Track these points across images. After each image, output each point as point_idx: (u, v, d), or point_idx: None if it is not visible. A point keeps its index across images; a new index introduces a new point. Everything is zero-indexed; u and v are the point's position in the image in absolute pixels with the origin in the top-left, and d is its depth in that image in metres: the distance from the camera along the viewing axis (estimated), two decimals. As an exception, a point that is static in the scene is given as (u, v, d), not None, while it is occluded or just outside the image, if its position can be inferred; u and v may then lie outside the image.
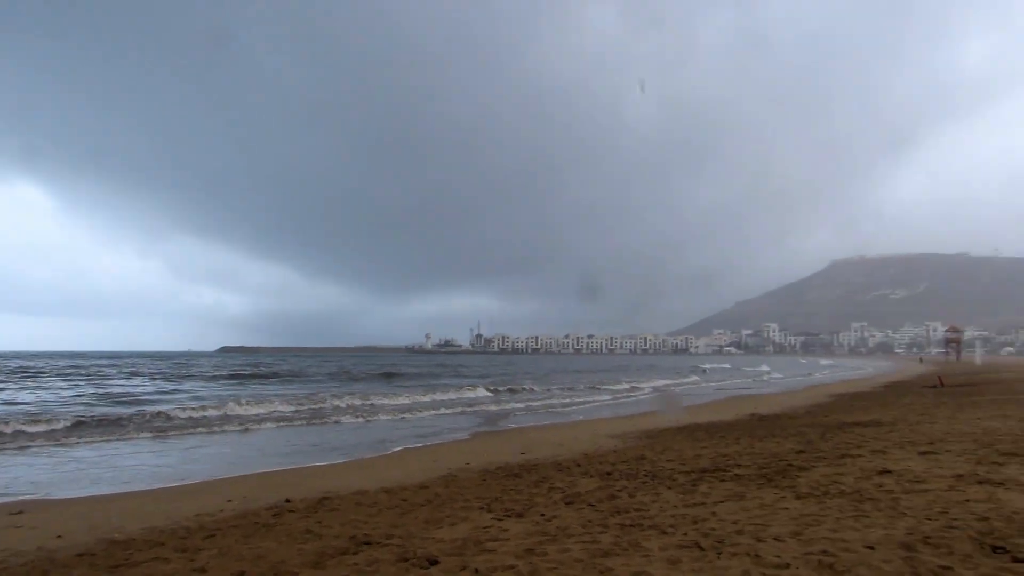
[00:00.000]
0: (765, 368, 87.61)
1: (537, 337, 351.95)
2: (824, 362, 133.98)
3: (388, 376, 60.68)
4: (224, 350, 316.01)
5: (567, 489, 9.45)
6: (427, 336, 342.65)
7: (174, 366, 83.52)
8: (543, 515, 7.78)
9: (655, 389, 44.41)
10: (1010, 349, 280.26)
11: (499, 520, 7.68)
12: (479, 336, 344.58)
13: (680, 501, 8.00)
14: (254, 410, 25.48)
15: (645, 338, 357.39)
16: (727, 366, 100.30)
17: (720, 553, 5.63)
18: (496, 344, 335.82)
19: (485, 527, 7.38)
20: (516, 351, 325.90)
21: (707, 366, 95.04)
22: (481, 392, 39.51)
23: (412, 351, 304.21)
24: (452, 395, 36.62)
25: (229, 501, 9.98)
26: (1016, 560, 4.99)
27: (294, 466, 14.24)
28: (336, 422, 23.31)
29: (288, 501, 9.70)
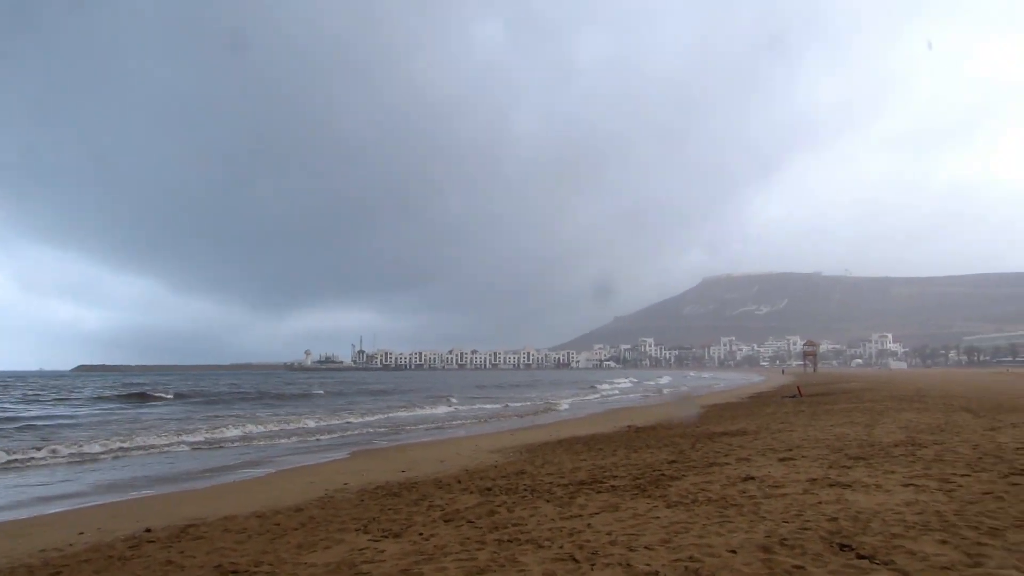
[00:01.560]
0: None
1: (421, 352, 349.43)
2: (706, 375, 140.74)
3: (307, 396, 57.80)
4: (81, 368, 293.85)
5: (447, 506, 9.38)
6: (307, 353, 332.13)
7: (39, 388, 76.63)
8: (421, 534, 7.67)
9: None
10: (859, 361, 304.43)
11: (375, 541, 7.51)
12: (361, 352, 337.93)
13: (557, 514, 8.11)
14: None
15: (528, 353, 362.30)
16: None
17: (594, 564, 5.75)
18: (379, 360, 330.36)
19: (361, 549, 7.19)
20: (399, 367, 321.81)
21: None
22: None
23: (291, 368, 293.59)
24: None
25: (81, 534, 9.22)
26: (860, 556, 5.38)
27: (157, 492, 13.37)
28: (220, 446, 22.11)
29: (148, 531, 9.07)
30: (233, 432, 25.50)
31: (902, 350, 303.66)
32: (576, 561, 5.88)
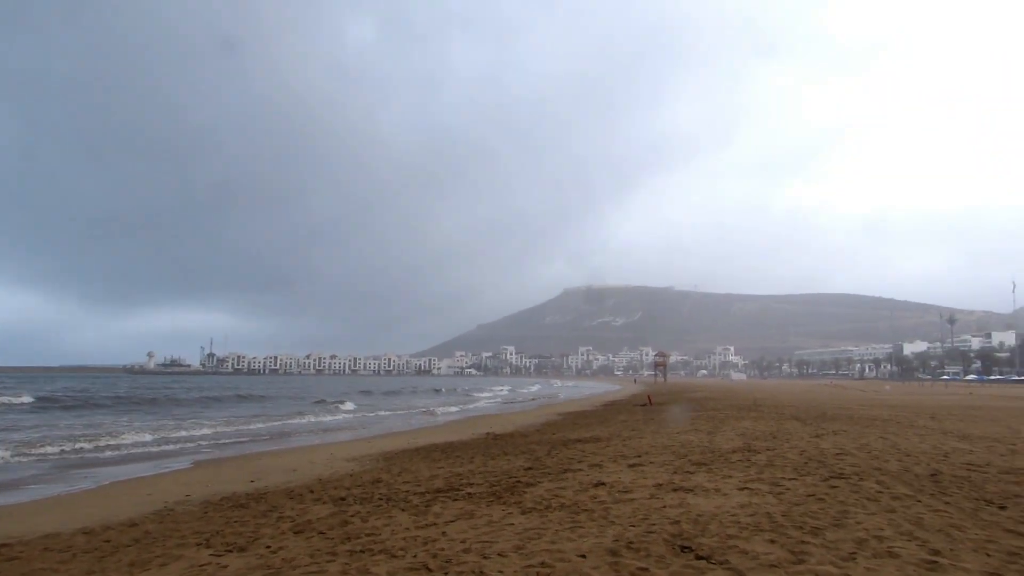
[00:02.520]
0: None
1: (276, 357, 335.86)
2: (568, 383, 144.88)
3: (151, 402, 53.21)
4: None
5: (297, 517, 9.03)
6: (149, 355, 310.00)
7: None
8: (268, 547, 7.34)
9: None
10: (704, 372, 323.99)
11: (218, 556, 7.10)
12: (211, 355, 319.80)
13: (413, 523, 8.02)
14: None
15: (389, 359, 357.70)
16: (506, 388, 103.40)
17: (447, 573, 5.72)
18: (230, 364, 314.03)
19: (202, 565, 6.77)
20: (252, 372, 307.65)
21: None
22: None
23: (131, 371, 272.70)
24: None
25: None
26: (698, 557, 5.70)
27: (-36, 509, 11.97)
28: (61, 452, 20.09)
29: (-50, 552, 8.10)
30: (61, 439, 23.33)
31: (742, 362, 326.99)
32: (429, 570, 5.84)
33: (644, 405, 38.33)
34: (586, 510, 7.99)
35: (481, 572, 5.67)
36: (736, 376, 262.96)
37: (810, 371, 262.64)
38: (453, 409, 46.20)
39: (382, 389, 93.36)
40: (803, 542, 6.10)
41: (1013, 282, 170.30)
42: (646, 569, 5.48)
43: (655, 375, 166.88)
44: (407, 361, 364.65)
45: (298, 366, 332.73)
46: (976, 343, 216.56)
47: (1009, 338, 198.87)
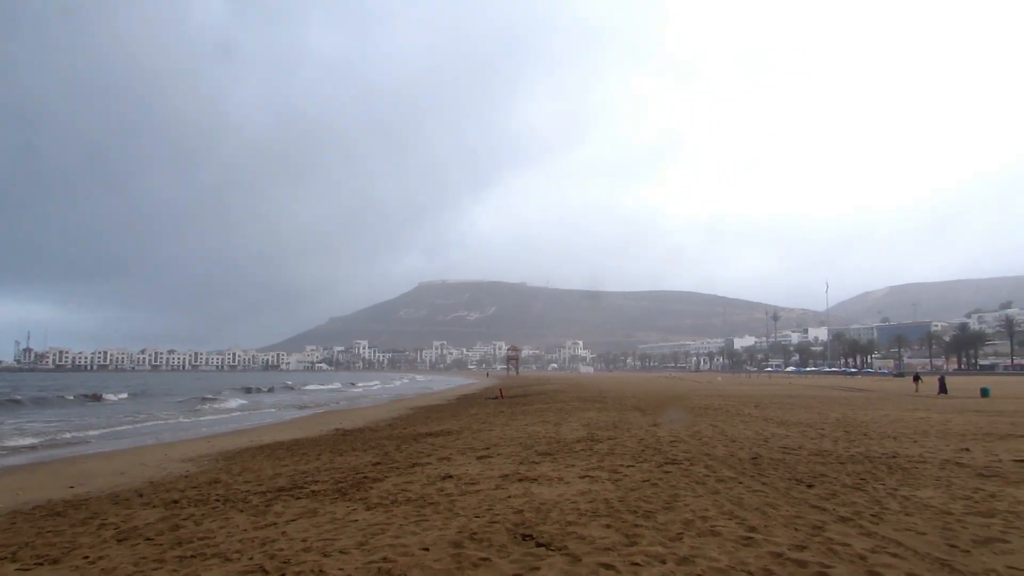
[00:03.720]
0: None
1: (106, 352, 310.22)
2: (421, 377, 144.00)
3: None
4: None
5: (122, 524, 8.38)
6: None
7: None
8: (86, 557, 6.75)
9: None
10: (555, 365, 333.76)
11: (25, 570, 6.45)
12: (28, 350, 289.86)
13: (251, 524, 7.68)
14: None
15: (234, 354, 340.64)
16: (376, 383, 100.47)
17: (284, 574, 5.53)
18: (51, 360, 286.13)
19: (4, 581, 6.12)
20: (78, 368, 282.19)
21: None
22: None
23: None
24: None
25: None
26: (539, 544, 5.86)
27: None
28: None
29: None
30: None
31: (591, 356, 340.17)
32: (265, 572, 5.61)
33: (496, 398, 38.94)
34: (432, 503, 8.00)
35: (321, 571, 5.52)
36: (584, 369, 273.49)
37: (652, 364, 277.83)
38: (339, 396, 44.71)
39: (234, 384, 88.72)
40: (636, 525, 6.43)
41: (827, 283, 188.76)
42: (487, 559, 5.56)
43: (508, 369, 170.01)
44: (253, 356, 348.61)
45: (131, 361, 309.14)
46: (795, 338, 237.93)
47: (823, 334, 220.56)
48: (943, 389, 40.68)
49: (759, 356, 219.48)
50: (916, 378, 50.03)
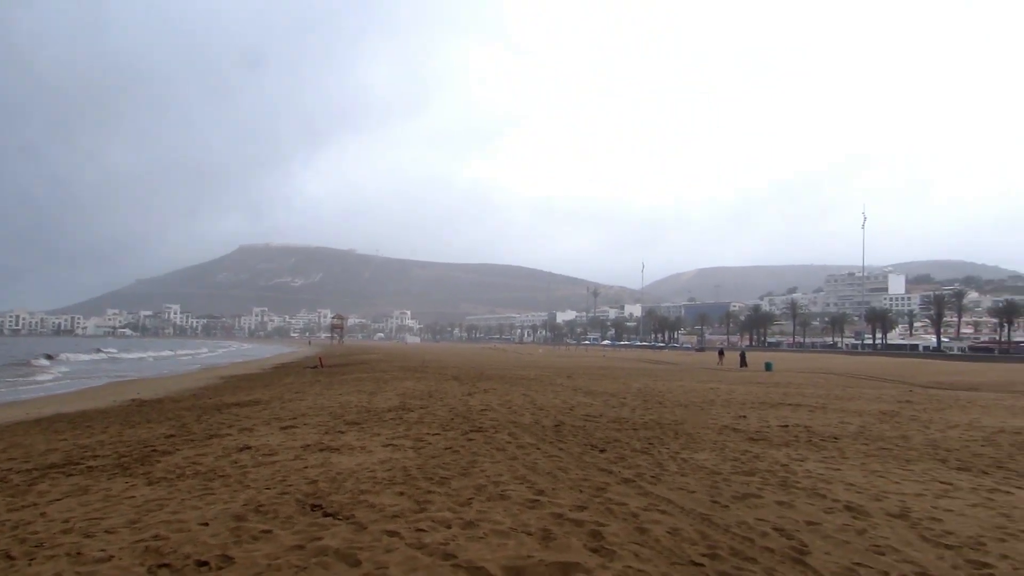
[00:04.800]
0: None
1: None
2: (237, 345, 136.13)
3: None
4: None
5: None
6: None
7: None
8: None
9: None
10: (381, 335, 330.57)
11: None
12: None
13: (7, 506, 6.86)
14: None
15: (18, 316, 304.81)
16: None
17: (34, 559, 4.98)
18: None
19: None
20: None
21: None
22: None
23: None
24: None
25: None
26: (326, 515, 5.72)
27: None
28: None
29: None
30: None
31: (418, 326, 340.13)
32: (11, 558, 5.02)
33: (315, 367, 37.87)
34: (222, 476, 7.57)
35: (78, 553, 5.03)
36: (411, 339, 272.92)
37: (478, 335, 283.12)
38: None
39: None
40: (430, 492, 6.47)
41: (643, 264, 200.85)
42: (269, 531, 5.34)
43: (332, 338, 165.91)
44: (42, 319, 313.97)
45: None
46: (613, 314, 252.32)
47: (637, 310, 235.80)
48: (744, 363, 45.10)
49: (579, 330, 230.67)
50: (721, 353, 55.25)
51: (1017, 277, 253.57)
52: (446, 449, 8.88)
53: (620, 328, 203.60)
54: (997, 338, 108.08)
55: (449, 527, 5.33)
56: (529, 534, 5.15)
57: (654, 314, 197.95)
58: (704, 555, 4.80)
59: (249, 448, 9.34)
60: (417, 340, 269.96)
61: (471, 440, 9.67)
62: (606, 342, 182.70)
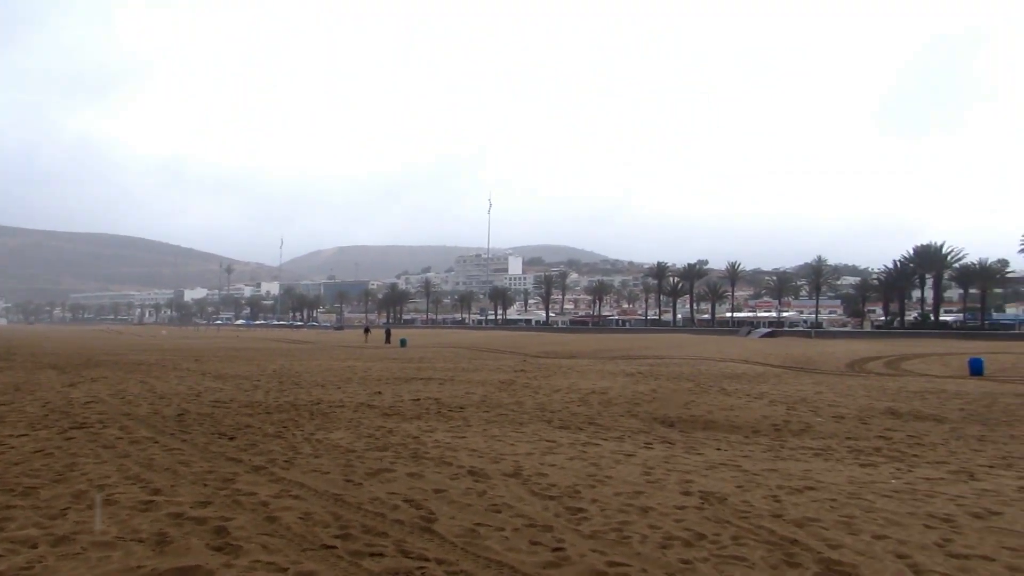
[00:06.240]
0: None
1: None
2: None
3: None
4: None
5: None
6: None
7: None
8: None
9: None
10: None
11: None
12: None
13: None
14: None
15: None
16: None
17: None
18: None
19: None
20: None
21: None
22: None
23: None
24: None
25: None
26: None
27: None
28: None
29: None
30: None
31: (4, 305, 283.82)
32: None
33: None
34: None
35: None
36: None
37: (87, 316, 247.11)
38: None
39: None
40: (9, 507, 5.34)
41: (282, 239, 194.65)
42: None
43: None
44: None
45: None
46: (248, 291, 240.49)
47: (275, 288, 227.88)
48: (388, 339, 47.12)
49: (210, 309, 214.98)
50: (367, 330, 57.04)
51: (606, 261, 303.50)
52: (35, 452, 7.49)
53: (256, 307, 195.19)
54: (591, 312, 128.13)
55: (35, 546, 4.46)
56: (140, 541, 4.56)
57: (293, 292, 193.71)
58: (336, 536, 4.75)
59: None
60: (3, 322, 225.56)
61: (70, 440, 8.32)
62: (241, 322, 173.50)
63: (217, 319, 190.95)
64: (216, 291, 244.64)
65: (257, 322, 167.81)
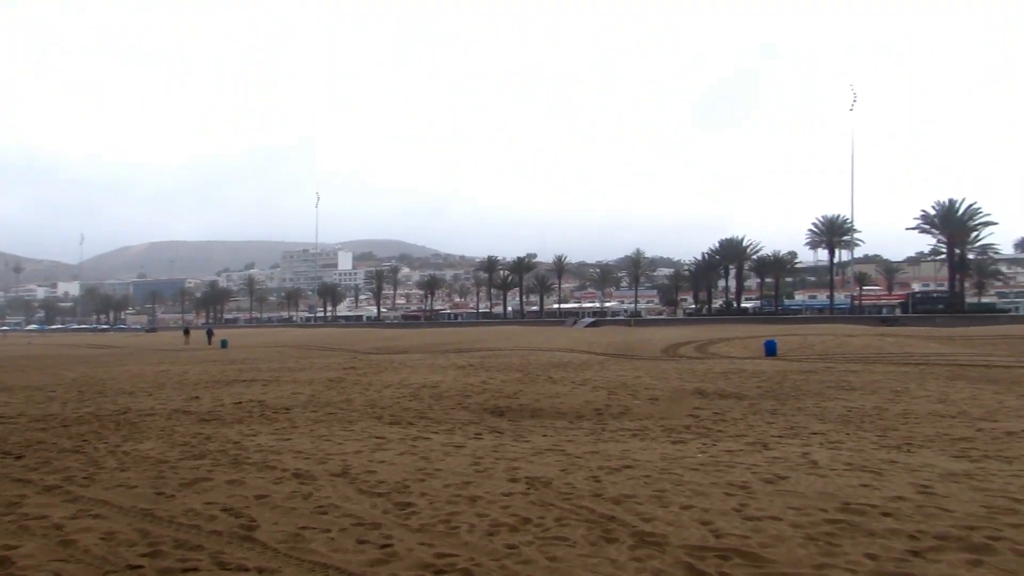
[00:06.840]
0: None
1: None
2: None
3: None
4: None
5: None
6: None
7: None
8: None
9: None
10: None
11: None
12: None
13: None
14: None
15: None
16: None
17: None
18: None
19: None
20: None
21: None
22: None
23: None
24: None
25: None
26: None
27: None
28: None
29: None
30: None
31: None
32: None
33: None
34: None
35: None
36: None
37: None
38: None
39: None
40: None
41: (82, 234, 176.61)
42: None
43: None
44: None
45: None
46: (42, 293, 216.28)
47: (75, 288, 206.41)
48: (210, 340, 47.66)
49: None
50: (187, 331, 54.80)
51: (438, 256, 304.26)
52: None
53: (52, 309, 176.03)
54: (424, 307, 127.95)
55: None
56: (-102, 583, 3.97)
57: (96, 292, 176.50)
58: (144, 555, 4.39)
59: None
60: None
61: None
62: (33, 327, 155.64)
63: (4, 325, 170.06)
64: (3, 293, 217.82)
65: (53, 327, 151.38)
